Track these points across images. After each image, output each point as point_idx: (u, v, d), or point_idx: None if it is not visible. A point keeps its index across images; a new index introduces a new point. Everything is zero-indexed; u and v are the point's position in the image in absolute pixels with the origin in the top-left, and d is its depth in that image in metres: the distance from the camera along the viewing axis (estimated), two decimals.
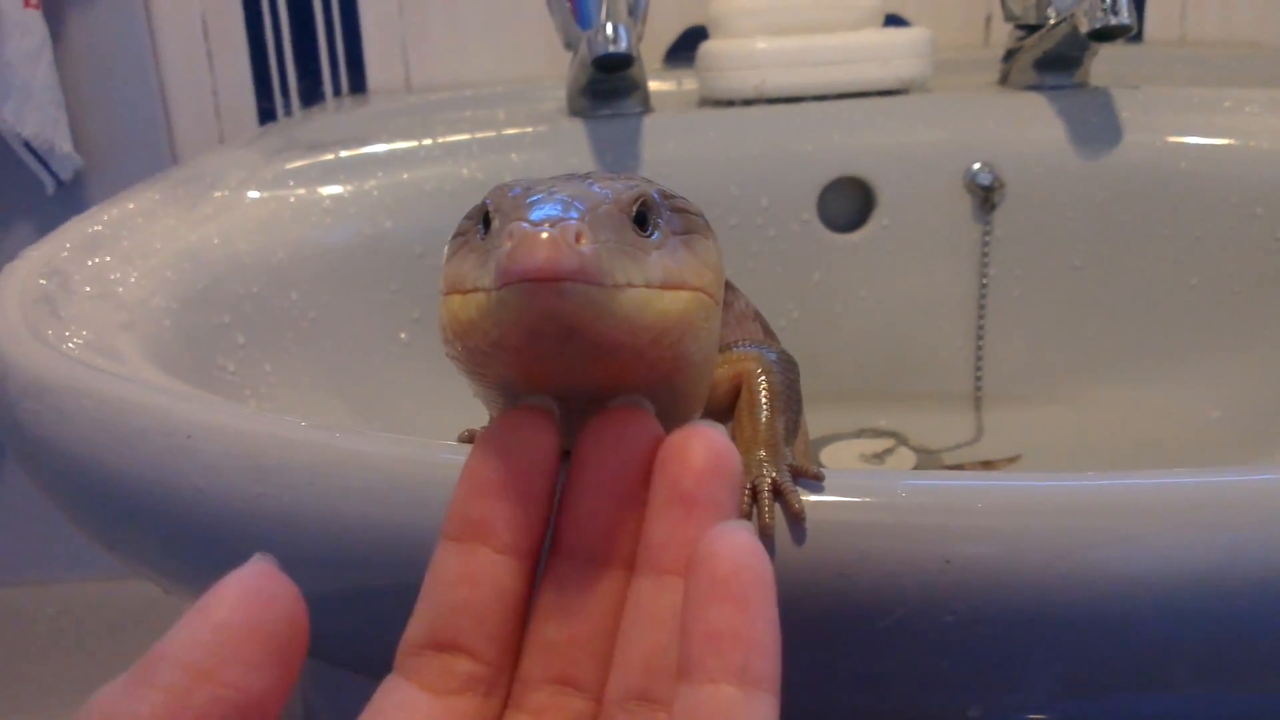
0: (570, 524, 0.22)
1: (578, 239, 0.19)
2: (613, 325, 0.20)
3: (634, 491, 0.21)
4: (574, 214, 0.19)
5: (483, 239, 0.21)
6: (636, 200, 0.21)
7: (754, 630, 0.19)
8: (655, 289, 0.21)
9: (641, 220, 0.22)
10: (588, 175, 0.22)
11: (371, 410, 0.51)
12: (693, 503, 0.20)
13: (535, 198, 0.20)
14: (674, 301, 0.21)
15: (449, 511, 0.22)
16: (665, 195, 0.23)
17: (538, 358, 0.21)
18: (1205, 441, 0.55)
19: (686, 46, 0.73)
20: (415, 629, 0.22)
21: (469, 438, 0.31)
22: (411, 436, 0.28)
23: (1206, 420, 0.56)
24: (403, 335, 0.55)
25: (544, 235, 0.19)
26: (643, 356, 0.21)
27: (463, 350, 0.22)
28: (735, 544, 0.19)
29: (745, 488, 0.23)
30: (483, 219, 0.22)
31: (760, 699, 0.19)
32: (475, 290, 0.21)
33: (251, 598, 0.18)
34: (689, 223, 0.23)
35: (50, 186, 0.76)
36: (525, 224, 0.19)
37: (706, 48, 0.64)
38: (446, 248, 0.23)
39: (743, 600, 0.19)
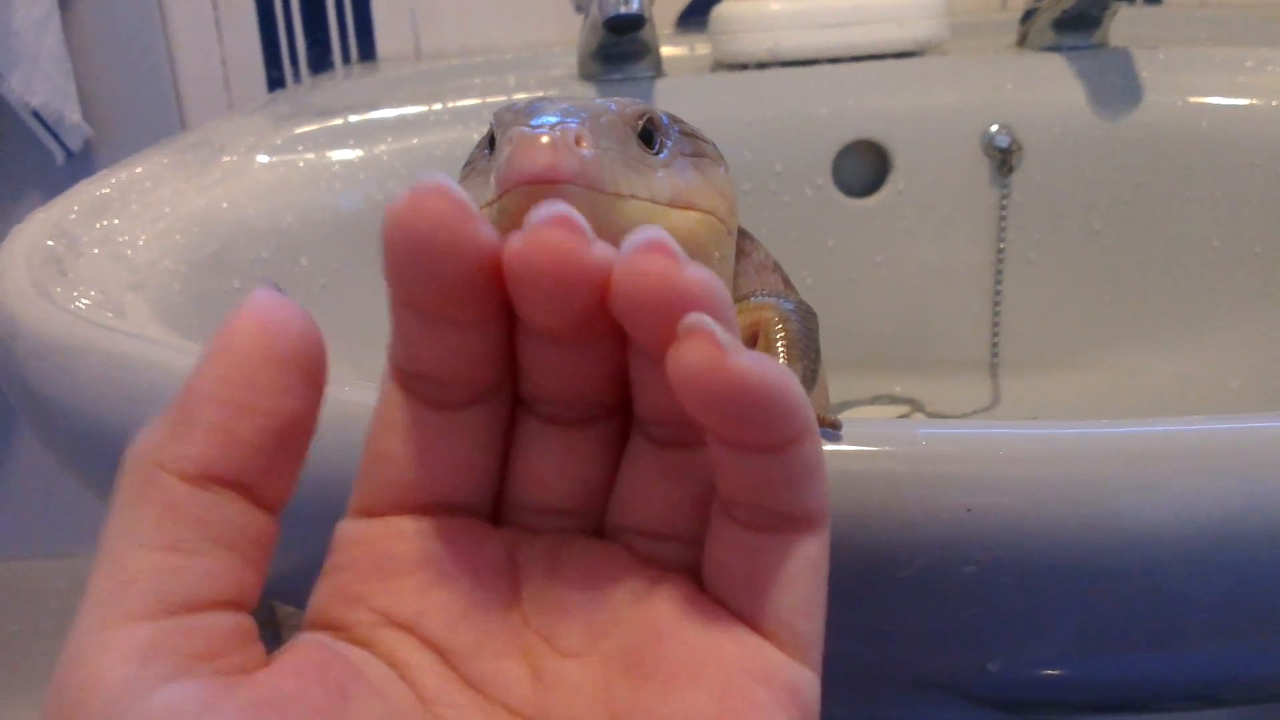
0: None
1: (578, 143, 0.19)
2: (614, 236, 0.19)
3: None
4: (574, 121, 0.19)
5: (489, 160, 0.21)
6: (641, 116, 0.21)
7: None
8: (661, 206, 0.20)
9: (648, 138, 0.21)
10: (596, 98, 0.22)
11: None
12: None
13: (537, 107, 0.20)
14: (682, 220, 0.21)
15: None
16: (674, 119, 0.22)
17: None
18: (1226, 408, 0.54)
19: (699, 11, 0.72)
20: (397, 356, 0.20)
21: None
22: None
23: (1226, 388, 0.56)
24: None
25: (543, 139, 0.18)
26: None
27: None
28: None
29: None
30: (489, 143, 0.21)
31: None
32: (481, 208, 0.20)
33: (267, 327, 0.18)
34: (699, 147, 0.22)
35: (59, 156, 0.76)
36: (525, 129, 0.19)
37: (719, 10, 0.63)
38: (456, 177, 0.23)
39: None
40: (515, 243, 0.18)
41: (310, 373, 0.18)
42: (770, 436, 0.18)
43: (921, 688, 0.27)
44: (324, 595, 0.20)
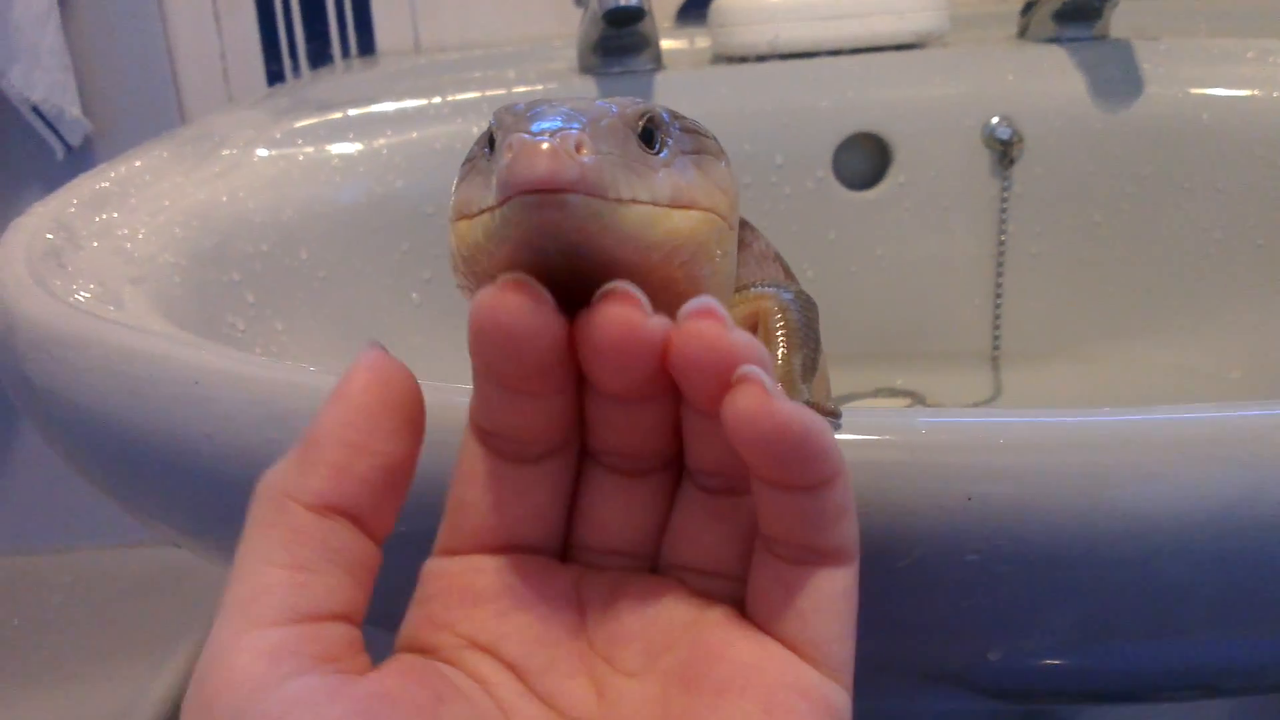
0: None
1: (578, 149, 0.19)
2: (618, 241, 0.19)
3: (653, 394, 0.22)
4: (575, 125, 0.19)
5: (488, 161, 0.21)
6: (642, 116, 0.21)
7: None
8: (663, 207, 0.20)
9: (649, 138, 0.21)
10: (597, 98, 0.22)
11: None
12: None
13: (537, 110, 0.20)
14: (684, 220, 0.21)
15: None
16: (675, 116, 0.22)
17: (544, 282, 0.20)
18: (1228, 400, 0.54)
19: (699, 4, 0.72)
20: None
21: None
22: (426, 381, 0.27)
23: (1227, 379, 0.56)
24: (414, 296, 0.54)
25: (544, 145, 0.18)
26: (653, 277, 0.21)
27: (471, 279, 0.21)
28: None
29: None
30: (489, 142, 0.21)
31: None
32: (480, 212, 0.20)
33: (378, 379, 0.21)
34: (700, 143, 0.22)
35: (59, 152, 0.76)
36: (525, 135, 0.19)
37: (719, 3, 0.63)
38: (456, 175, 0.23)
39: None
40: (586, 321, 0.20)
41: (413, 420, 0.22)
42: (807, 476, 0.20)
43: (922, 677, 0.27)
44: (414, 622, 0.23)
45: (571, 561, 0.24)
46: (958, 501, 0.22)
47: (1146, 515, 0.22)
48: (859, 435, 0.23)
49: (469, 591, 0.23)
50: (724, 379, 0.20)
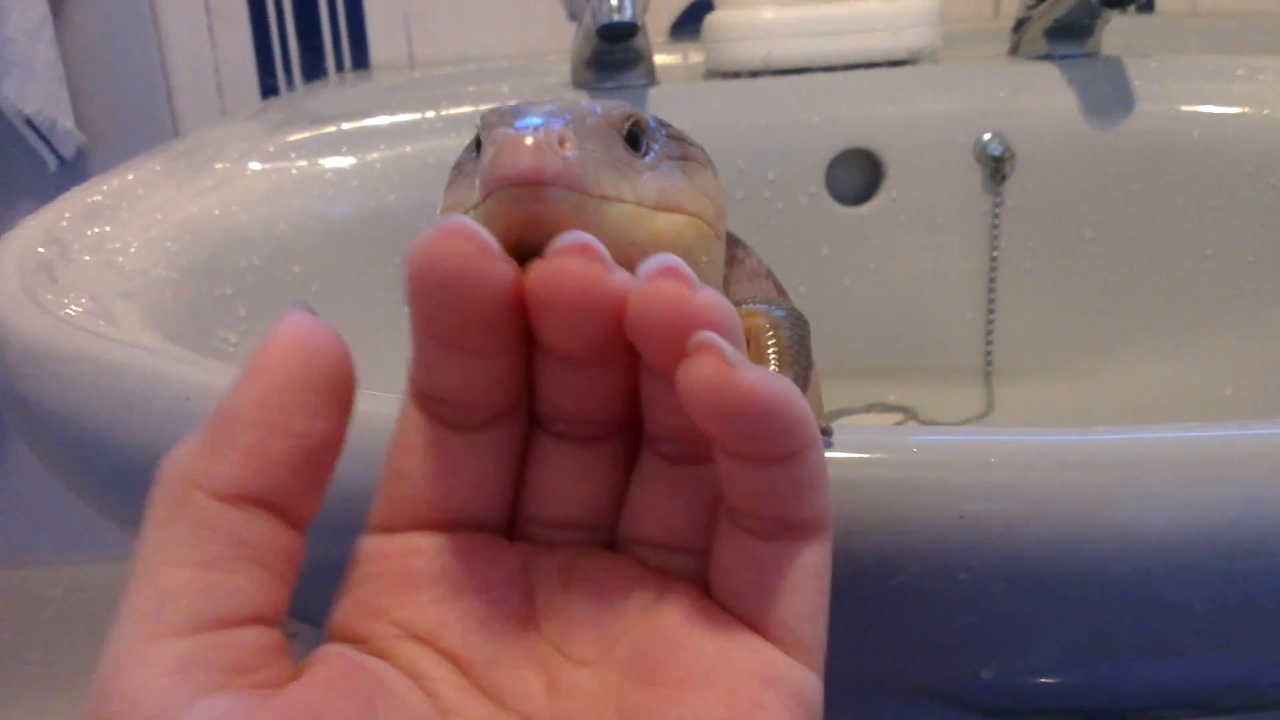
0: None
1: (562, 144, 0.19)
2: (600, 238, 0.19)
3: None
4: (559, 122, 0.19)
5: (475, 163, 0.21)
6: (628, 119, 0.21)
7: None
8: (648, 209, 0.20)
9: (634, 141, 0.21)
10: (583, 100, 0.22)
11: (375, 385, 0.50)
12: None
13: (522, 109, 0.20)
14: (668, 223, 0.21)
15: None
16: (662, 123, 0.22)
17: None
18: (1219, 415, 0.54)
19: (692, 19, 0.72)
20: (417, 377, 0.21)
21: None
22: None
23: (1220, 395, 0.56)
24: (407, 310, 0.54)
25: (526, 140, 0.18)
26: None
27: None
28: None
29: None
30: (477, 146, 0.21)
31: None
32: (465, 211, 0.20)
33: (300, 349, 0.19)
34: (686, 151, 0.22)
35: (53, 164, 0.76)
36: (508, 130, 0.19)
37: (712, 19, 0.63)
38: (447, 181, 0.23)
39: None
40: (538, 271, 0.18)
41: (340, 395, 0.19)
42: (777, 448, 0.18)
43: (914, 695, 0.27)
44: (345, 608, 0.21)
45: (519, 539, 0.22)
46: (949, 520, 0.22)
47: (1139, 534, 0.22)
48: (851, 453, 0.23)
49: (405, 574, 0.21)
50: (684, 342, 0.18)
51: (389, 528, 0.21)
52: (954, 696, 0.26)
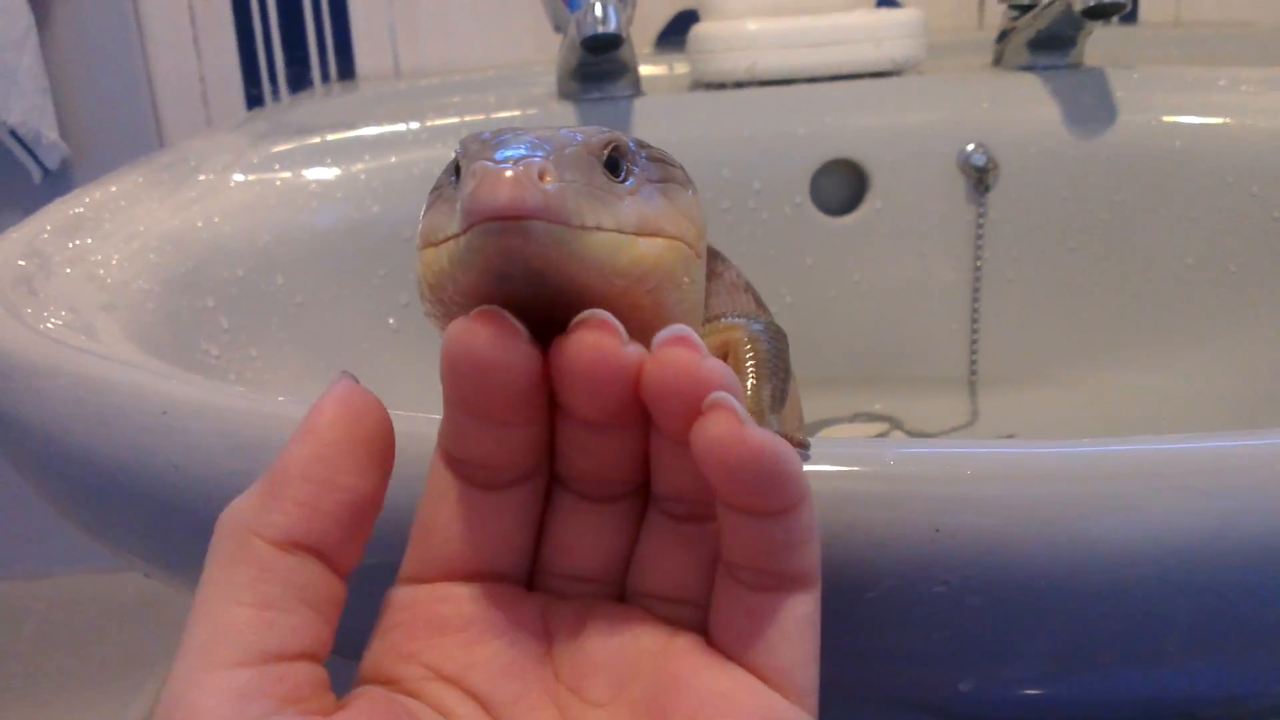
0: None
1: (542, 177, 0.19)
2: (582, 268, 0.19)
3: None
4: (539, 154, 0.19)
5: (454, 189, 0.21)
6: (607, 145, 0.21)
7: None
8: (629, 235, 0.20)
9: (614, 166, 0.21)
10: (563, 127, 0.22)
11: None
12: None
13: (502, 139, 0.20)
14: (649, 248, 0.21)
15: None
16: (641, 145, 0.22)
17: (510, 308, 0.20)
18: (1201, 425, 0.54)
19: (677, 30, 0.72)
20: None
21: None
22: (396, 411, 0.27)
23: (1203, 403, 0.56)
24: (391, 321, 0.54)
25: (507, 173, 0.18)
26: (619, 305, 0.21)
27: (438, 306, 0.21)
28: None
29: None
30: (455, 170, 0.21)
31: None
32: (445, 240, 0.20)
33: (348, 413, 0.21)
34: (666, 172, 0.22)
35: (37, 175, 0.76)
36: (488, 162, 0.19)
37: (697, 30, 0.63)
38: (425, 203, 0.23)
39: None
40: (561, 347, 0.20)
41: (383, 455, 0.22)
42: (775, 501, 0.20)
43: (893, 707, 0.27)
44: (377, 653, 0.23)
45: (538, 589, 0.24)
46: (926, 533, 0.22)
47: (1115, 547, 0.22)
48: (828, 466, 0.23)
49: (435, 620, 0.23)
50: (696, 405, 0.20)
51: (418, 578, 0.23)
52: (933, 708, 0.26)
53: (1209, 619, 0.23)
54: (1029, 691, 0.26)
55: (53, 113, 0.75)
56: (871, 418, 0.60)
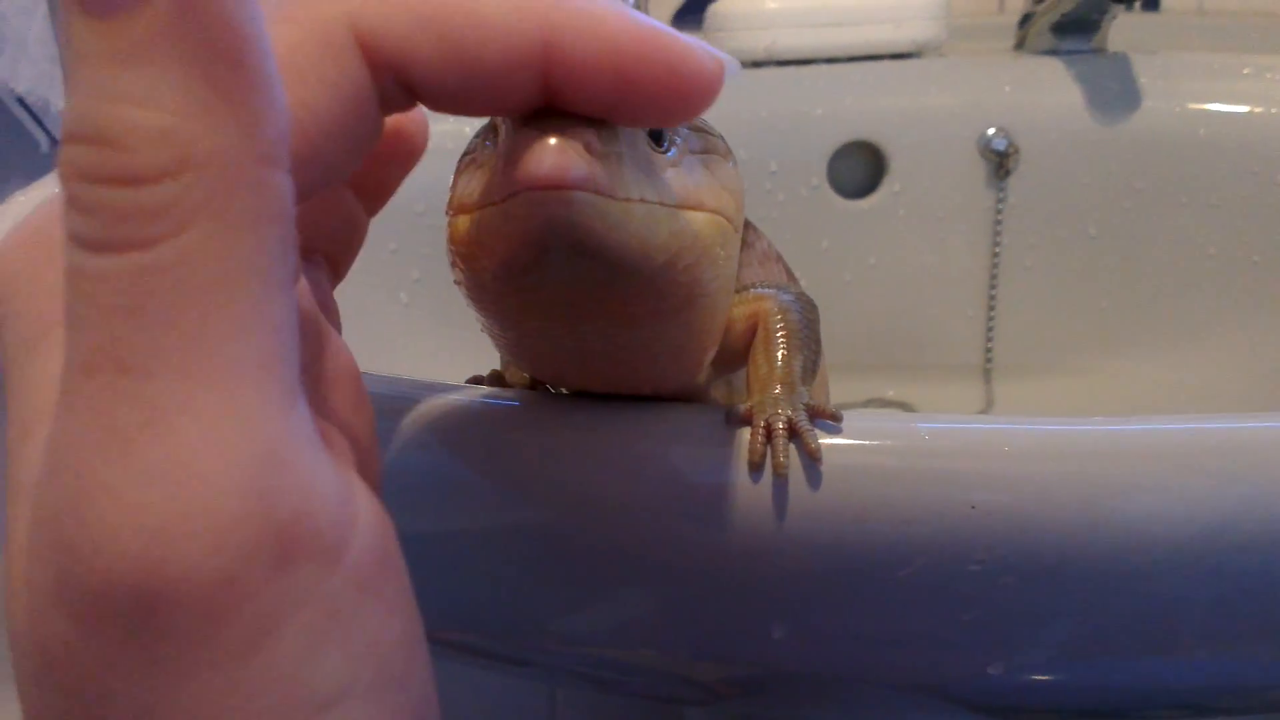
0: None
1: (588, 147, 0.18)
2: (623, 240, 0.18)
3: None
4: (585, 121, 0.18)
5: (491, 153, 0.20)
6: None
7: None
8: (670, 207, 0.20)
9: (657, 136, 0.20)
10: None
11: (374, 369, 0.49)
12: None
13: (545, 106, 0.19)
14: (690, 222, 0.20)
15: None
16: None
17: (545, 280, 0.19)
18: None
19: (695, 9, 0.71)
20: None
21: (476, 382, 0.29)
22: (407, 378, 0.27)
23: (1222, 394, 0.55)
24: (402, 296, 0.53)
25: (552, 141, 0.18)
26: (655, 281, 0.20)
27: (469, 275, 0.21)
28: None
29: (760, 427, 0.22)
30: (490, 134, 0.20)
31: None
32: (481, 207, 0.19)
33: None
34: (708, 143, 0.22)
35: (44, 144, 0.75)
36: (533, 129, 0.18)
37: (715, 8, 0.62)
38: (455, 168, 0.22)
39: None
40: None
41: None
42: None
43: (914, 692, 0.26)
44: None
45: None
46: (961, 510, 0.21)
47: (1158, 525, 0.22)
48: (859, 440, 0.22)
49: None
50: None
51: None
52: (956, 693, 0.26)
53: (1236, 603, 0.23)
54: (1054, 676, 0.25)
55: (61, 81, 0.74)
56: (885, 403, 0.60)
